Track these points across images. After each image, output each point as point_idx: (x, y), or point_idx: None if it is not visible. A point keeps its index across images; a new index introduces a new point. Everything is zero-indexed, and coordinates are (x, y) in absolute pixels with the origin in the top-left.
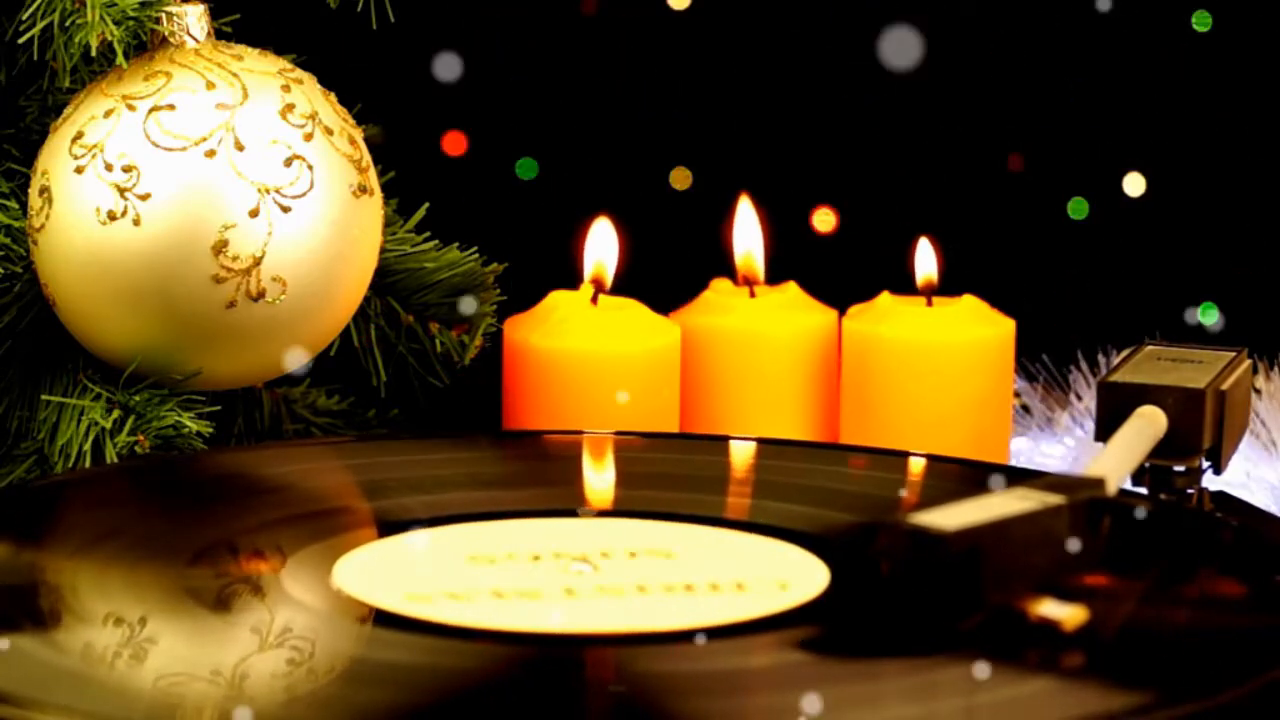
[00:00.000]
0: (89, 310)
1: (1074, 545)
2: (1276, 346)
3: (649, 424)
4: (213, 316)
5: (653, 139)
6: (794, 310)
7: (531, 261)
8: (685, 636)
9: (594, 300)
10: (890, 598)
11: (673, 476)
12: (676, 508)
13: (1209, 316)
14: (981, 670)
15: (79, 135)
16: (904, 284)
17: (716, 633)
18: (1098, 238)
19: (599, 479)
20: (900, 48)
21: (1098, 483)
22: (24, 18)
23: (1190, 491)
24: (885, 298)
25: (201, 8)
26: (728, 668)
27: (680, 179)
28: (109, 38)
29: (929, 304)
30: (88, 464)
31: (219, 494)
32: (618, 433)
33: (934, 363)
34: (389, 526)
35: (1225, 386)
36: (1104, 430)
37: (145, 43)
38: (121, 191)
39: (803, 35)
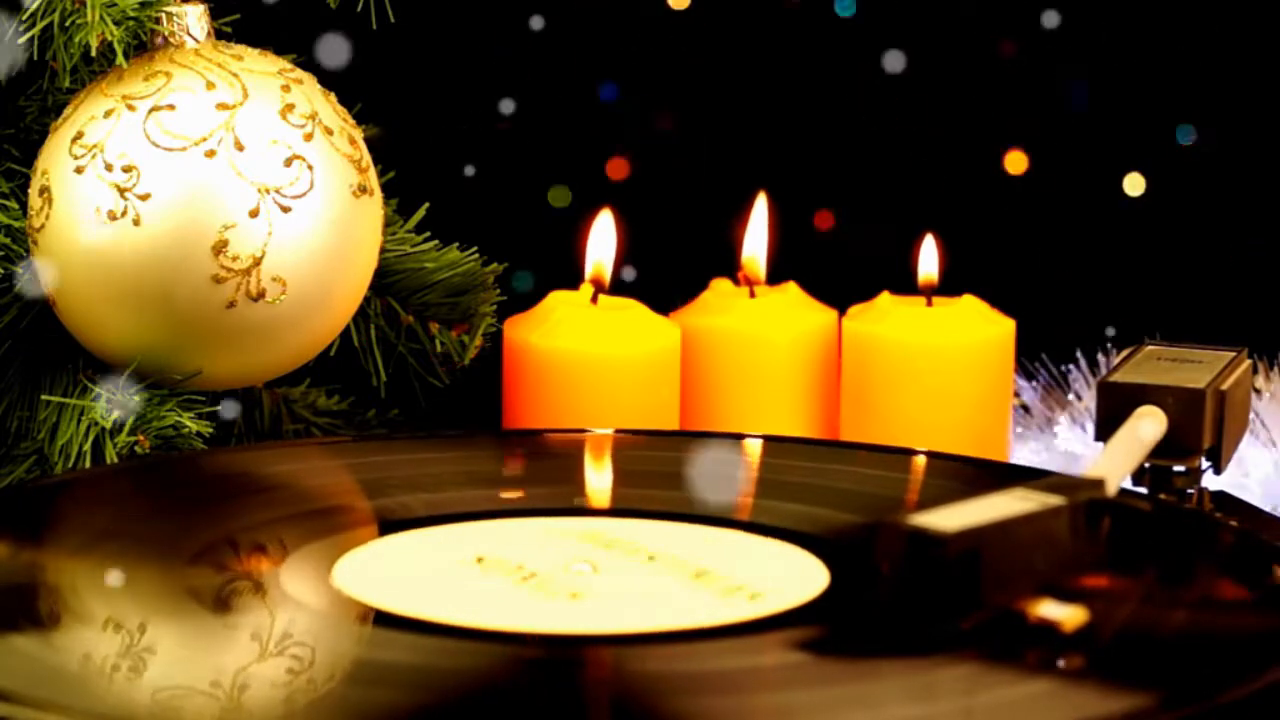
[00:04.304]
0: (89, 310)
1: (1076, 547)
2: (1276, 346)
3: (649, 424)
4: (213, 316)
5: (653, 139)
6: (794, 310)
7: (532, 261)
8: (685, 636)
9: (594, 300)
10: (890, 598)
11: (673, 476)
12: (676, 507)
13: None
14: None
15: (79, 135)
16: (904, 284)
17: (716, 633)
18: (1098, 238)
19: (599, 478)
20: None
21: (1098, 483)
22: (24, 18)
23: (1190, 491)
24: (885, 298)
25: (201, 8)
26: (728, 668)
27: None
28: (109, 38)
29: (929, 304)
30: (88, 464)
31: (219, 494)
32: (618, 432)
33: (934, 363)
34: (389, 526)
35: (1225, 386)
36: (1104, 430)
37: (145, 43)
38: (121, 191)
39: (803, 36)
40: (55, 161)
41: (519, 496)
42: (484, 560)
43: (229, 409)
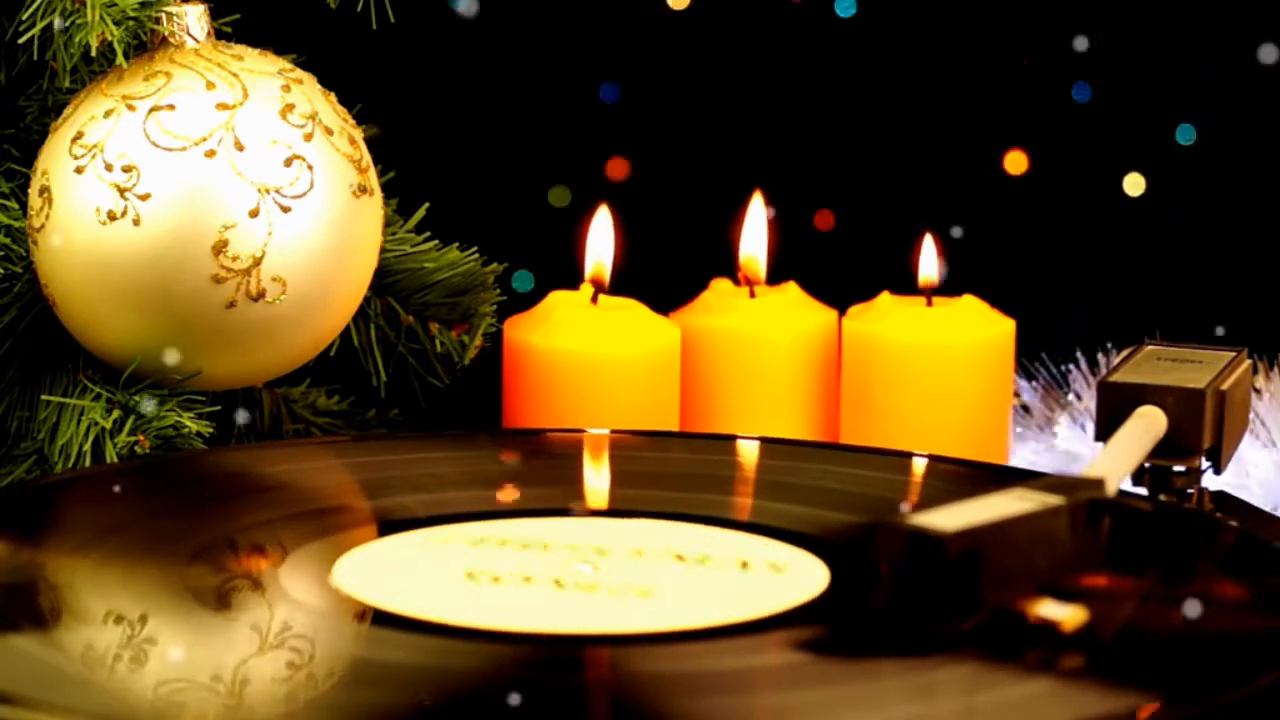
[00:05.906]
0: (89, 310)
1: (1076, 547)
2: (1276, 346)
3: (649, 424)
4: (213, 316)
5: (653, 138)
6: (794, 310)
7: (532, 261)
8: (685, 637)
9: (594, 300)
10: (890, 598)
11: (672, 476)
12: (676, 507)
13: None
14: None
15: (79, 135)
16: (904, 284)
17: (716, 633)
18: (1098, 238)
19: (598, 478)
20: None
21: (1097, 483)
22: (24, 18)
23: (1190, 491)
24: (885, 298)
25: (201, 8)
26: (727, 668)
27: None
28: (109, 38)
29: (929, 304)
30: (88, 464)
31: (219, 493)
32: (617, 432)
33: (934, 363)
34: (389, 526)
35: (1225, 386)
36: (1104, 430)
37: (145, 43)
38: (121, 191)
39: (803, 35)
40: (55, 161)
41: (519, 497)
42: (483, 561)
43: (240, 415)
